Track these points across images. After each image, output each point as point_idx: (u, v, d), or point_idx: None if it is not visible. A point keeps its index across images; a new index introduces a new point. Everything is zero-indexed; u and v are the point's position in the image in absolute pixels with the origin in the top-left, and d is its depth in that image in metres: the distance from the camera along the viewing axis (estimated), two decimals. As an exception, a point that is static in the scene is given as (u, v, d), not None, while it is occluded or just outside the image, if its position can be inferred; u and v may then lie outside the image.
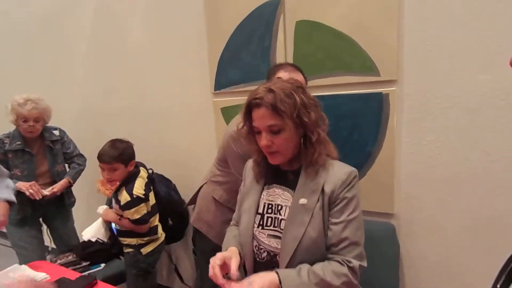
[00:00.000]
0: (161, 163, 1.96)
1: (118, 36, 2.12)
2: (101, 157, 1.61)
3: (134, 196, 1.61)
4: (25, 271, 1.30)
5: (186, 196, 1.92)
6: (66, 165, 2.09)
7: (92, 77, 2.33)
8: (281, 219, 0.95)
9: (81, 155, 2.12)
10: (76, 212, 2.17)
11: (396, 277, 1.38)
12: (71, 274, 1.32)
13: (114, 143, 1.65)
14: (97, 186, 1.68)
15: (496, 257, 1.17)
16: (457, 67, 1.20)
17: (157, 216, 1.76)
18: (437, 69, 1.24)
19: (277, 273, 0.86)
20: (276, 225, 0.95)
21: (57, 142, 2.01)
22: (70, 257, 1.76)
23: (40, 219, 2.04)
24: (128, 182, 1.65)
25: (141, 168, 1.75)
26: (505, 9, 1.11)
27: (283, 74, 1.21)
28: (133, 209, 1.61)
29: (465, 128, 1.22)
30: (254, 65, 1.60)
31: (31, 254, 1.85)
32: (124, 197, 1.62)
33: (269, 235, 0.96)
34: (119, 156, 1.60)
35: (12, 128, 1.91)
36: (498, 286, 0.54)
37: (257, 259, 0.98)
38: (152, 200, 1.72)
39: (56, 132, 2.02)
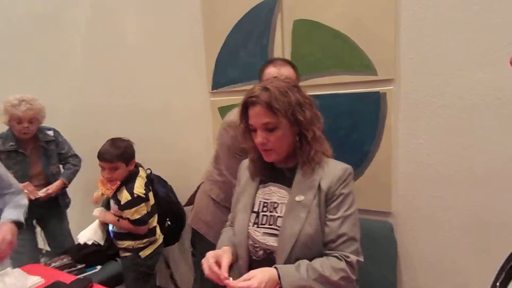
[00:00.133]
0: (158, 163, 1.94)
1: (114, 35, 2.10)
2: (102, 155, 1.57)
3: (135, 195, 1.59)
4: (19, 275, 1.27)
5: (183, 196, 1.91)
6: (61, 166, 2.06)
7: (88, 77, 2.31)
8: (277, 217, 0.95)
9: (76, 156, 2.09)
10: (71, 213, 2.14)
11: (394, 275, 1.39)
12: (66, 277, 1.30)
13: (114, 141, 1.62)
14: (97, 192, 1.66)
15: (493, 254, 1.20)
16: (453, 66, 1.22)
17: (156, 217, 1.74)
18: (434, 68, 1.25)
19: (276, 268, 0.86)
20: (271, 223, 0.96)
21: (51, 143, 1.98)
22: (65, 260, 1.72)
23: (34, 221, 2.01)
24: (128, 181, 1.62)
25: (140, 168, 1.73)
26: (502, 8, 1.12)
27: (272, 70, 1.23)
28: (133, 209, 1.58)
29: (462, 126, 1.24)
30: (251, 65, 1.60)
31: (24, 258, 1.81)
32: (125, 196, 1.59)
33: (264, 233, 0.96)
34: (121, 154, 1.58)
35: (4, 128, 1.88)
36: (498, 284, 0.54)
37: (253, 257, 0.98)
38: (151, 200, 1.70)
39: (50, 133, 1.99)
